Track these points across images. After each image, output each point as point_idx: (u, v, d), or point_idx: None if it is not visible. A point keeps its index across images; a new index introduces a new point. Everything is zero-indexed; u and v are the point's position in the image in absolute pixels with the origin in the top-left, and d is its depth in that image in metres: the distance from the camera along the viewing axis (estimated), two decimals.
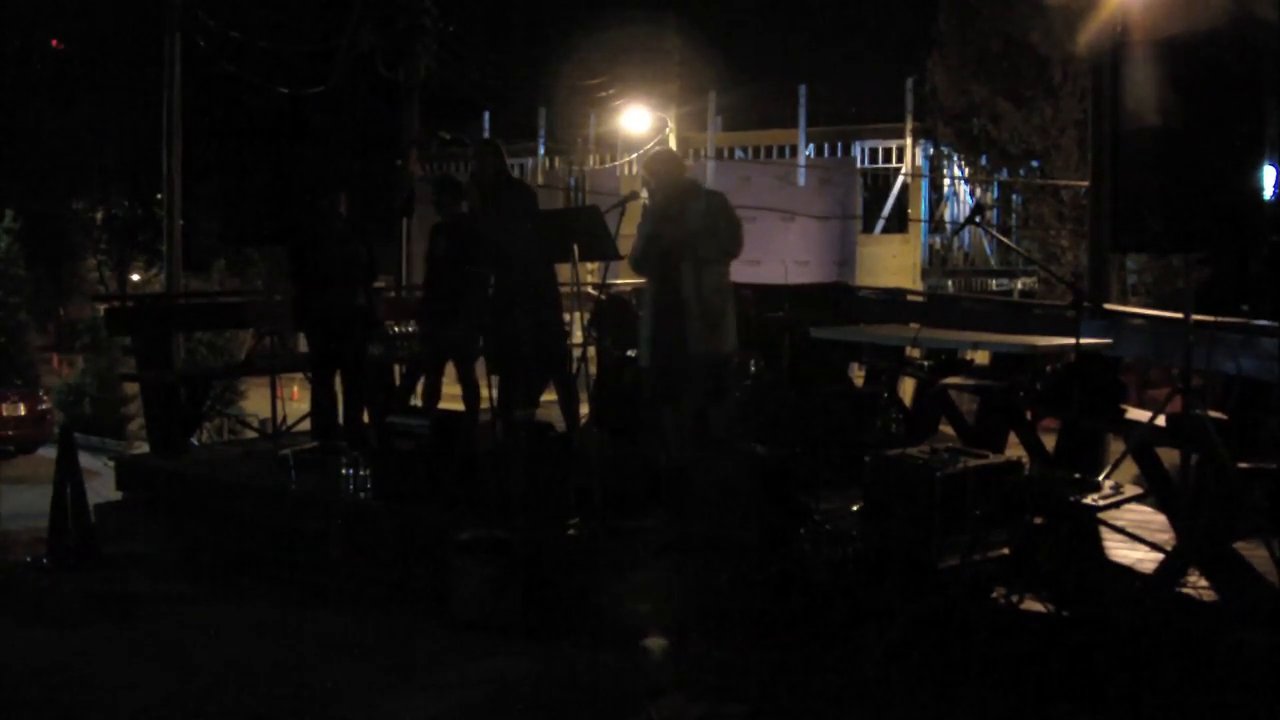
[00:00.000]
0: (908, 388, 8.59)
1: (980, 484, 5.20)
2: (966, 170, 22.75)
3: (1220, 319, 5.68)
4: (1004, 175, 21.90)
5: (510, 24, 29.44)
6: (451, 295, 7.78)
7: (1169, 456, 5.92)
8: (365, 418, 8.13)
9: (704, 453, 6.22)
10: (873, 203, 24.29)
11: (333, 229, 7.78)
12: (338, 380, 8.06)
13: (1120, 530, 5.65)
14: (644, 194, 6.82)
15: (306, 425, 8.60)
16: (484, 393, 7.90)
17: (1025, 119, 19.66)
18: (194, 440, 9.25)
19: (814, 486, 5.88)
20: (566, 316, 8.27)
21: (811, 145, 24.17)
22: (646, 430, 6.87)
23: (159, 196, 17.19)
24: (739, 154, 25.17)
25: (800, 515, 5.72)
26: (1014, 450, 6.53)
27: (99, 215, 35.20)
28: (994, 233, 20.31)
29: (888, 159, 23.72)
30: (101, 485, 9.97)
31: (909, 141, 23.06)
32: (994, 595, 4.96)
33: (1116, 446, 6.81)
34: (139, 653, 5.65)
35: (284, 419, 8.57)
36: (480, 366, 7.96)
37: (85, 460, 8.39)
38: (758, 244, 22.26)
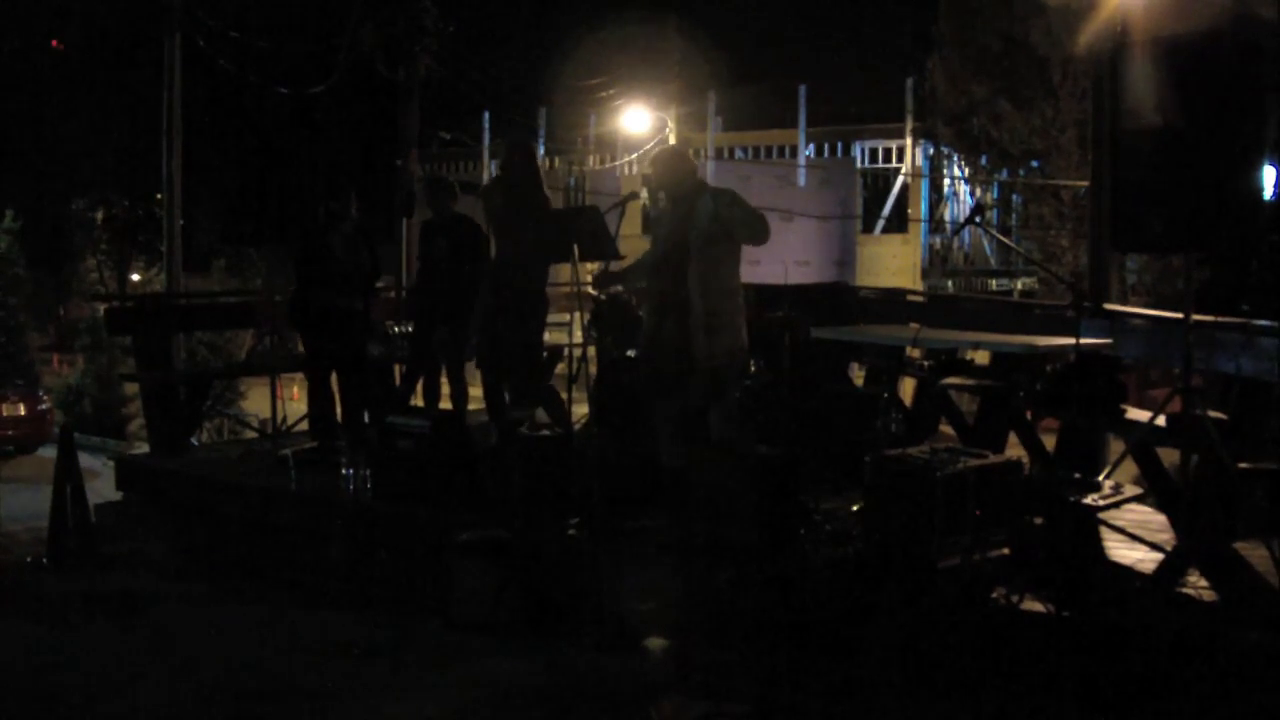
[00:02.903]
0: (908, 388, 8.58)
1: (980, 484, 5.20)
2: (966, 170, 22.74)
3: (1220, 319, 5.68)
4: (1004, 175, 21.89)
5: (510, 24, 29.42)
6: (444, 295, 7.79)
7: (1169, 456, 5.92)
8: (365, 418, 8.12)
9: (704, 452, 6.21)
10: (873, 203, 24.28)
11: (341, 230, 7.80)
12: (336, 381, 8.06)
13: (1120, 530, 5.66)
14: (644, 194, 6.80)
15: (307, 425, 8.60)
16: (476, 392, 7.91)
17: (1025, 119, 19.64)
18: (194, 440, 9.24)
19: (814, 486, 5.88)
20: (566, 316, 8.27)
21: (811, 145, 24.16)
22: (646, 430, 6.87)
23: (159, 196, 17.19)
24: (739, 154, 25.16)
25: (800, 515, 5.72)
26: (1014, 450, 6.53)
27: (99, 215, 35.19)
28: (994, 233, 20.31)
29: (888, 159, 23.70)
30: (101, 485, 9.96)
31: (909, 141, 23.04)
32: (994, 595, 4.96)
33: (1116, 446, 6.81)
34: (139, 652, 5.65)
35: (284, 419, 8.57)
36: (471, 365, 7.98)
37: (85, 460, 8.40)
38: None
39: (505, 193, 7.32)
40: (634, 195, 6.66)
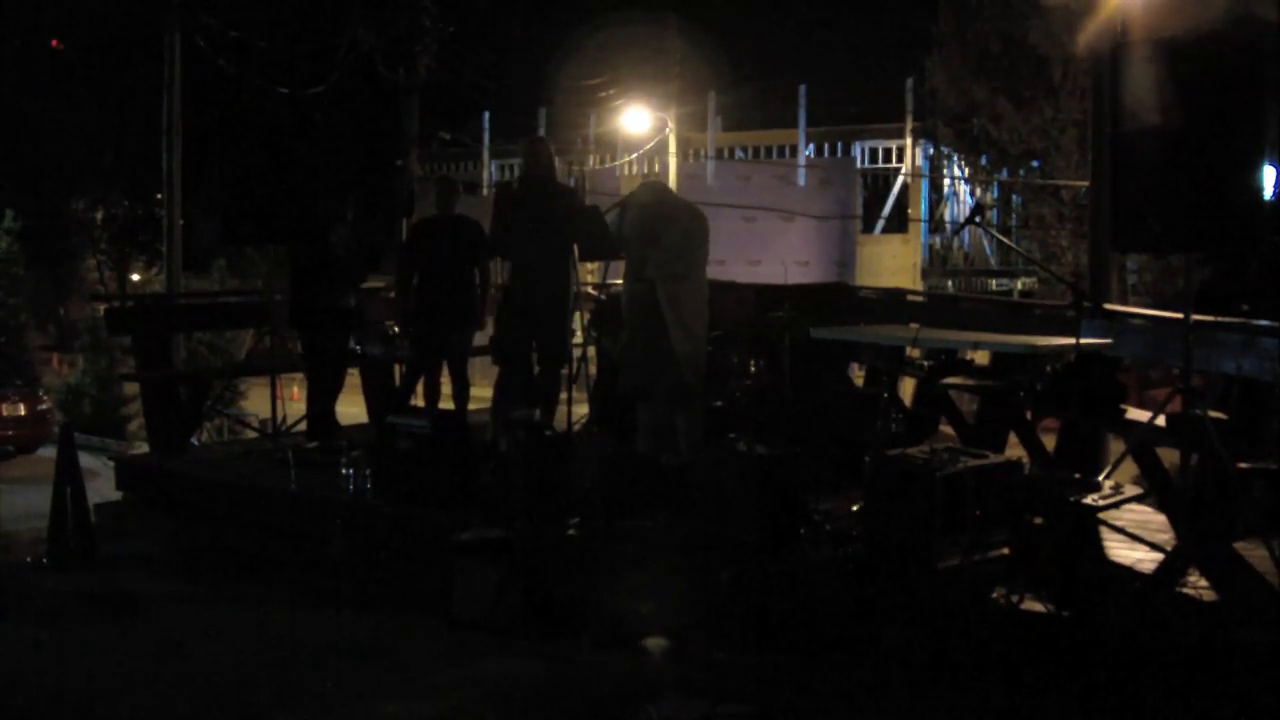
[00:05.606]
0: (908, 388, 8.58)
1: (980, 484, 5.19)
2: (966, 170, 22.75)
3: (1220, 319, 5.67)
4: (1004, 175, 21.90)
5: (510, 24, 29.42)
6: (448, 293, 7.81)
7: (1169, 456, 5.92)
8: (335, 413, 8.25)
9: (704, 452, 6.23)
10: (873, 203, 24.30)
11: (339, 230, 7.92)
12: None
13: (1120, 530, 5.65)
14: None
15: (306, 425, 8.61)
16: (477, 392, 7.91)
17: (1025, 119, 19.66)
18: (194, 440, 9.24)
19: (814, 486, 5.88)
20: None
21: (811, 145, 24.18)
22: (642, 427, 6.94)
23: (159, 196, 17.18)
24: (739, 154, 25.18)
25: (800, 515, 5.72)
26: (1014, 450, 6.53)
27: (99, 215, 35.16)
28: (994, 233, 20.33)
29: (888, 159, 23.73)
30: (101, 485, 9.94)
31: (909, 141, 23.07)
32: (994, 595, 4.96)
33: (1116, 446, 6.81)
34: (139, 653, 5.65)
35: (284, 419, 8.57)
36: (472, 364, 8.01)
37: (85, 460, 8.38)
38: (758, 244, 22.33)
39: (531, 190, 7.23)
40: (634, 195, 6.70)
